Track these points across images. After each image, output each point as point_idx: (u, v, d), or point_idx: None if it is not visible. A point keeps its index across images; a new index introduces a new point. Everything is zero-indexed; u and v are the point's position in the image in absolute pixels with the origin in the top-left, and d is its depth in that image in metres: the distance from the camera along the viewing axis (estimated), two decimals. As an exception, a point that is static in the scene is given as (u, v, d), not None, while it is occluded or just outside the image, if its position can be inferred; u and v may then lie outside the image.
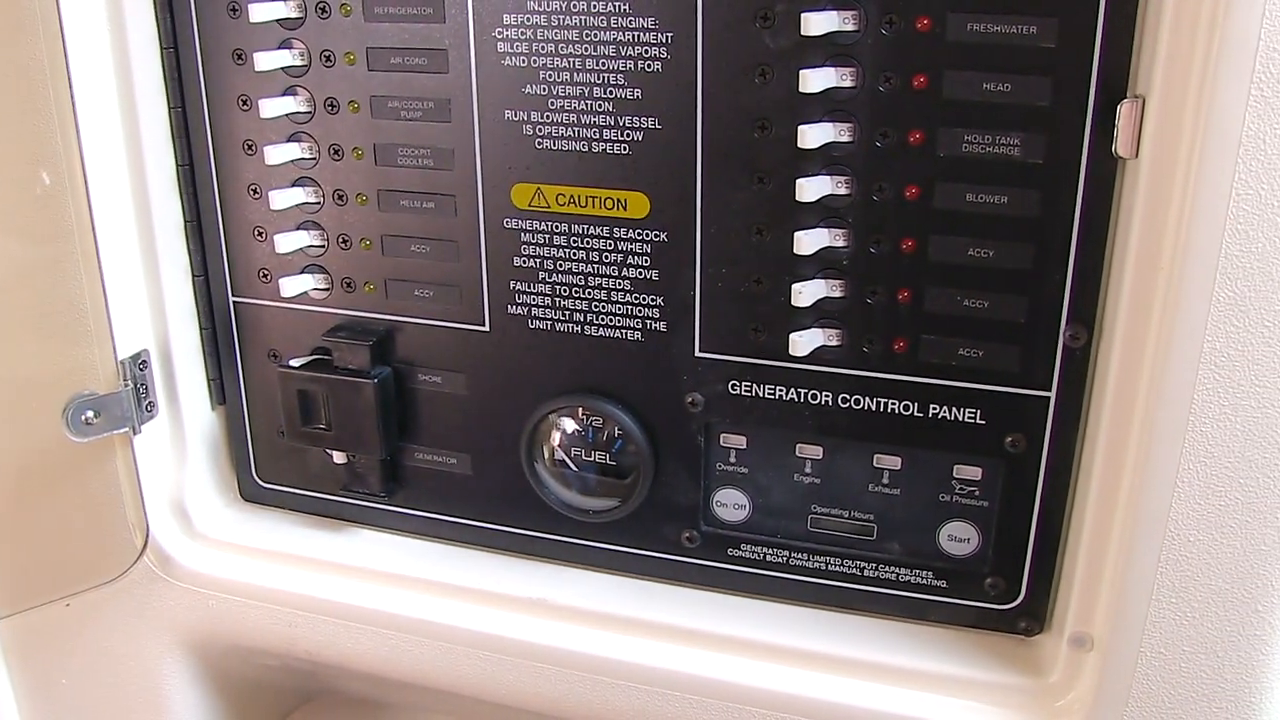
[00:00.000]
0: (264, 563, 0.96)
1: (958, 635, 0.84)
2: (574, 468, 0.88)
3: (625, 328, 0.82)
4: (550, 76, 0.78)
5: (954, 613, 0.83)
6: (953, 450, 0.79)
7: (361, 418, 0.89)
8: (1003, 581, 0.81)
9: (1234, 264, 0.61)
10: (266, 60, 0.83)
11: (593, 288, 0.82)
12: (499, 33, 0.78)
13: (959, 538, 0.81)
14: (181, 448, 0.96)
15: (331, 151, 0.85)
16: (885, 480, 0.82)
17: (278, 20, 0.83)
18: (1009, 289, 0.73)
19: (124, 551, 0.94)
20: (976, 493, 0.80)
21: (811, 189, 0.73)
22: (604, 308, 0.82)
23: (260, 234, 0.89)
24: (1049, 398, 0.75)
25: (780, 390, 0.80)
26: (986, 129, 0.70)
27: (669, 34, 0.75)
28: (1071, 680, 0.78)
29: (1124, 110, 0.66)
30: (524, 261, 0.83)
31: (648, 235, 0.79)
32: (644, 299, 0.81)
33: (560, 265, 0.82)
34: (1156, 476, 0.68)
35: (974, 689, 0.81)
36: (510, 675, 0.88)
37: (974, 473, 0.79)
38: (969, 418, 0.77)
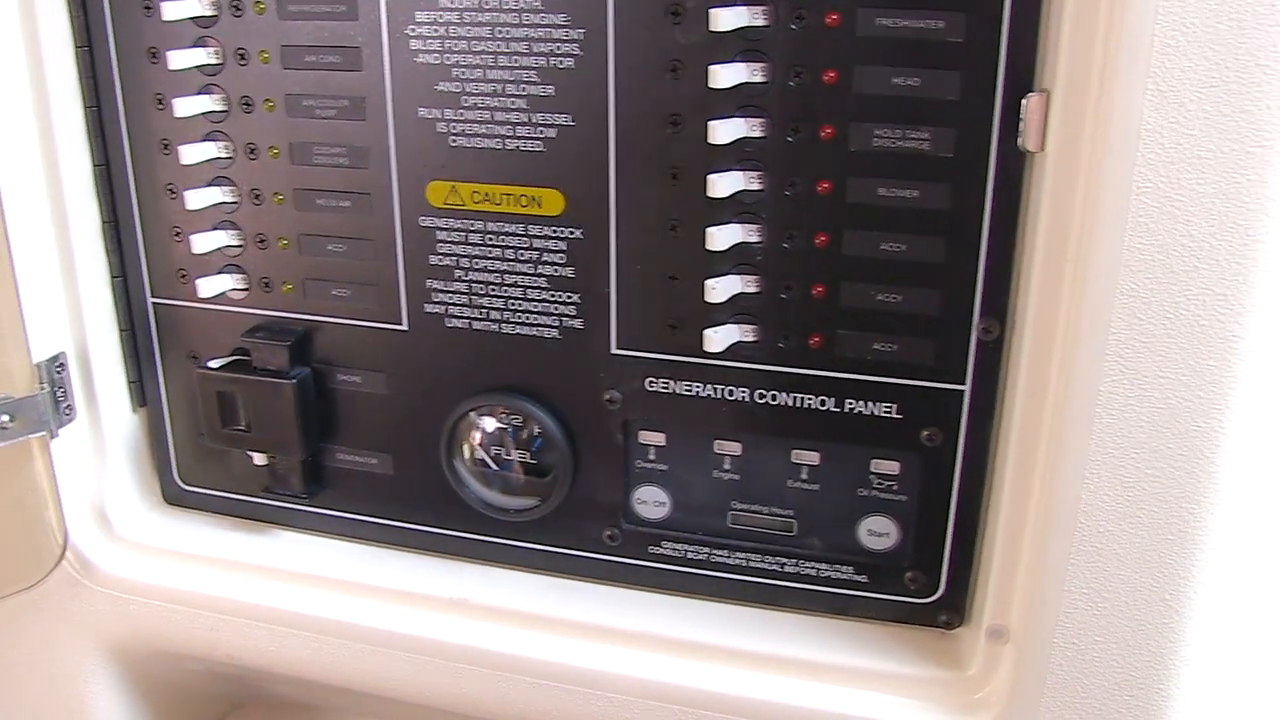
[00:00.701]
0: (185, 566, 0.95)
1: (880, 630, 0.84)
2: (494, 466, 0.87)
3: (542, 325, 0.82)
4: (463, 74, 0.78)
5: (876, 607, 0.83)
6: (870, 445, 0.79)
7: (280, 419, 0.89)
8: (922, 575, 0.81)
9: (1136, 256, 0.62)
10: (180, 59, 0.83)
11: (509, 285, 0.82)
12: (411, 30, 0.78)
13: (878, 532, 0.81)
14: (101, 451, 0.95)
15: (247, 150, 0.85)
16: (804, 476, 0.82)
17: (191, 18, 0.83)
18: (922, 283, 0.73)
19: (43, 556, 0.93)
20: (894, 487, 0.80)
21: (723, 185, 0.73)
22: (520, 305, 0.82)
23: (178, 234, 0.89)
24: (964, 391, 0.75)
25: (697, 387, 0.80)
26: (896, 123, 0.70)
27: (580, 30, 0.74)
28: (989, 673, 0.78)
29: (1028, 104, 0.66)
30: (440, 260, 0.83)
31: (563, 232, 0.79)
32: (560, 296, 0.81)
33: (476, 263, 0.82)
34: (1066, 468, 0.68)
35: (894, 683, 0.81)
36: (434, 676, 0.88)
37: (892, 467, 0.79)
38: (885, 412, 0.77)
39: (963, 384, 0.75)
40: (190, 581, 0.94)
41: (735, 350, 0.78)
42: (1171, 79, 0.58)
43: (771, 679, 0.82)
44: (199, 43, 0.83)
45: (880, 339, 0.75)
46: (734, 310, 0.77)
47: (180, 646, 0.96)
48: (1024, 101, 0.67)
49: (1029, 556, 0.72)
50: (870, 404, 0.77)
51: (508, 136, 0.78)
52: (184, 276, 0.90)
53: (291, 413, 0.88)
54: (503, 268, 0.82)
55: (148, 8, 0.83)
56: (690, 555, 0.86)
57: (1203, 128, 0.59)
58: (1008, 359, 0.73)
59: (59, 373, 0.89)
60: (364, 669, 0.90)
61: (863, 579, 0.83)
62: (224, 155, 0.86)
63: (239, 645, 0.93)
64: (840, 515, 0.82)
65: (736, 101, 0.73)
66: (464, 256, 0.82)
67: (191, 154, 0.85)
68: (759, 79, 0.72)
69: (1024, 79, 0.67)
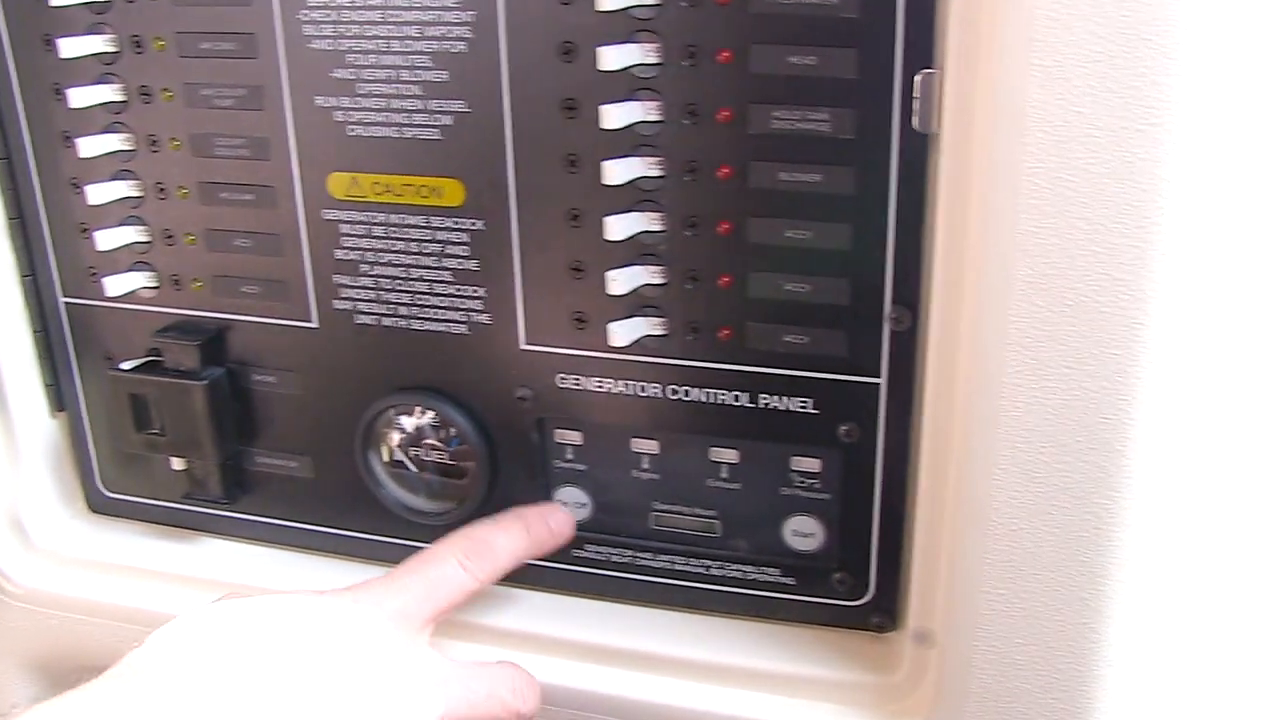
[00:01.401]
0: (107, 577, 0.92)
1: (812, 634, 0.81)
2: (411, 468, 0.85)
3: (450, 321, 0.79)
4: (357, 60, 0.75)
5: (804, 610, 0.80)
6: (788, 442, 0.76)
7: (195, 422, 0.86)
8: (850, 577, 0.78)
9: (1031, 240, 0.59)
10: (73, 46, 0.80)
11: (415, 280, 0.79)
12: (304, 15, 0.75)
13: (803, 532, 0.78)
14: (16, 458, 0.93)
15: (149, 143, 0.82)
16: (724, 475, 0.79)
17: (84, 3, 0.80)
18: (830, 272, 0.70)
19: (-46, 569, 0.91)
20: (817, 485, 0.77)
21: (619, 171, 0.70)
22: (427, 300, 0.79)
23: (85, 230, 0.86)
24: (879, 384, 0.72)
25: (609, 383, 0.77)
26: (795, 104, 0.67)
27: (471, 12, 0.72)
28: (917, 678, 0.75)
29: (919, 83, 0.63)
30: (345, 254, 0.80)
31: (464, 224, 0.76)
32: (466, 290, 0.78)
33: (381, 257, 0.79)
34: (976, 464, 0.65)
35: (824, 689, 0.78)
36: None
37: (812, 465, 0.77)
38: (801, 407, 0.74)
39: (878, 377, 0.72)
40: (111, 593, 0.92)
41: (643, 344, 0.75)
42: (1056, 54, 0.55)
43: (697, 686, 0.79)
44: (93, 30, 0.81)
45: (791, 331, 0.72)
46: (639, 303, 0.74)
47: (105, 661, 0.93)
48: (915, 80, 0.63)
49: (948, 557, 0.69)
50: (785, 399, 0.74)
51: (405, 125, 0.75)
52: (93, 274, 0.87)
53: (205, 415, 0.86)
54: (407, 261, 0.79)
55: (39, -5, 0.81)
56: (614, 558, 0.83)
57: (1090, 104, 0.55)
58: (923, 350, 0.69)
59: (-31, 376, 0.87)
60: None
61: (790, 581, 0.80)
62: (125, 148, 0.83)
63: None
64: (763, 515, 0.79)
65: (630, 85, 0.70)
66: (368, 250, 0.79)
67: (90, 146, 0.82)
68: (652, 60, 0.69)
69: (923, 56, 0.64)
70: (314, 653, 0.66)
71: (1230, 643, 0.71)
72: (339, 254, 0.80)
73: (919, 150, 0.66)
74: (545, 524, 0.80)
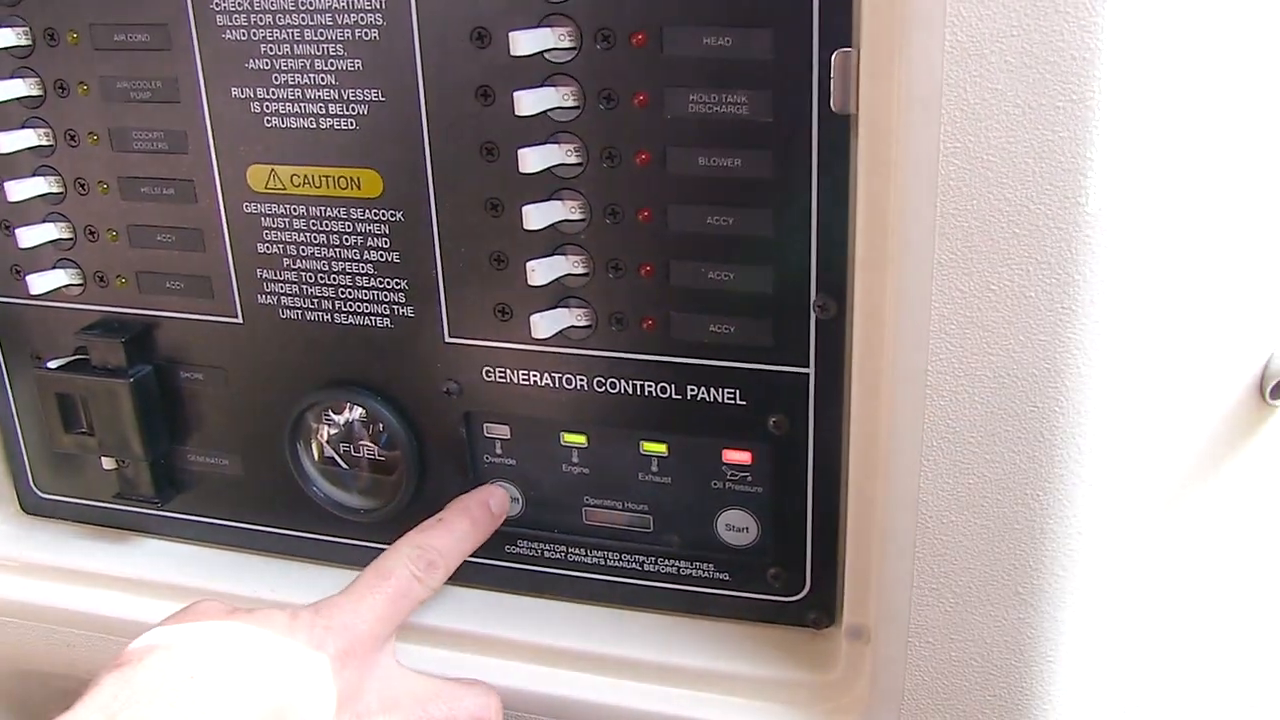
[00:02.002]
0: (38, 580, 0.91)
1: (749, 631, 0.79)
2: (341, 465, 0.83)
3: (374, 314, 0.78)
4: (272, 50, 0.73)
5: (740, 607, 0.79)
6: (718, 435, 0.75)
7: (123, 420, 0.84)
8: (785, 572, 0.77)
9: (950, 223, 0.57)
10: (-14, 41, 0.78)
11: (337, 273, 0.77)
12: (216, 5, 0.74)
13: (737, 527, 0.77)
14: (-57, 458, 0.90)
15: (67, 138, 0.81)
16: (655, 469, 0.77)
17: (-6, -3, 0.78)
18: (753, 259, 0.69)
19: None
20: (749, 479, 0.75)
21: (537, 159, 0.68)
22: (350, 294, 0.78)
23: (6, 228, 0.84)
24: (807, 374, 0.70)
25: (535, 375, 0.75)
26: (712, 87, 0.66)
27: (382, -1, 0.69)
28: (854, 675, 0.74)
29: (835, 62, 0.61)
30: (267, 248, 0.78)
31: (384, 215, 0.75)
32: (388, 283, 0.76)
33: (303, 250, 0.78)
34: (904, 455, 0.64)
35: (760, 687, 0.77)
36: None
37: (743, 458, 0.75)
38: (729, 399, 0.73)
39: (806, 367, 0.70)
40: (43, 595, 0.90)
41: (567, 336, 0.73)
42: (970, 28, 0.54)
43: (632, 685, 0.78)
44: (4, 23, 0.79)
45: (716, 321, 0.71)
46: (562, 293, 0.73)
47: (40, 665, 0.93)
48: (832, 60, 0.61)
49: (879, 551, 0.68)
50: (713, 390, 0.73)
51: (321, 115, 0.74)
52: (17, 272, 0.86)
53: (133, 414, 0.84)
54: (329, 254, 0.77)
55: (-48, -10, 0.79)
56: (546, 554, 0.82)
57: (1007, 81, 0.54)
58: (849, 339, 0.68)
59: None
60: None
61: (724, 577, 0.78)
62: (44, 143, 0.81)
63: (96, 662, 0.89)
64: (696, 510, 0.78)
65: (545, 70, 0.68)
66: (290, 244, 0.78)
67: (7, 142, 0.81)
68: (567, 45, 0.67)
69: (840, 35, 0.62)
70: (268, 687, 0.66)
71: (1169, 630, 0.70)
72: (261, 248, 0.79)
73: (839, 133, 0.65)
74: (488, 510, 0.79)
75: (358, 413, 0.82)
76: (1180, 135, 0.56)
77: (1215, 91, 0.57)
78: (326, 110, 0.74)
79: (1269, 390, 0.63)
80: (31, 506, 0.95)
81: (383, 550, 0.79)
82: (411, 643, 0.81)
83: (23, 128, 0.82)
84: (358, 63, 0.72)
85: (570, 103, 0.68)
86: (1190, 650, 0.71)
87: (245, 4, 0.73)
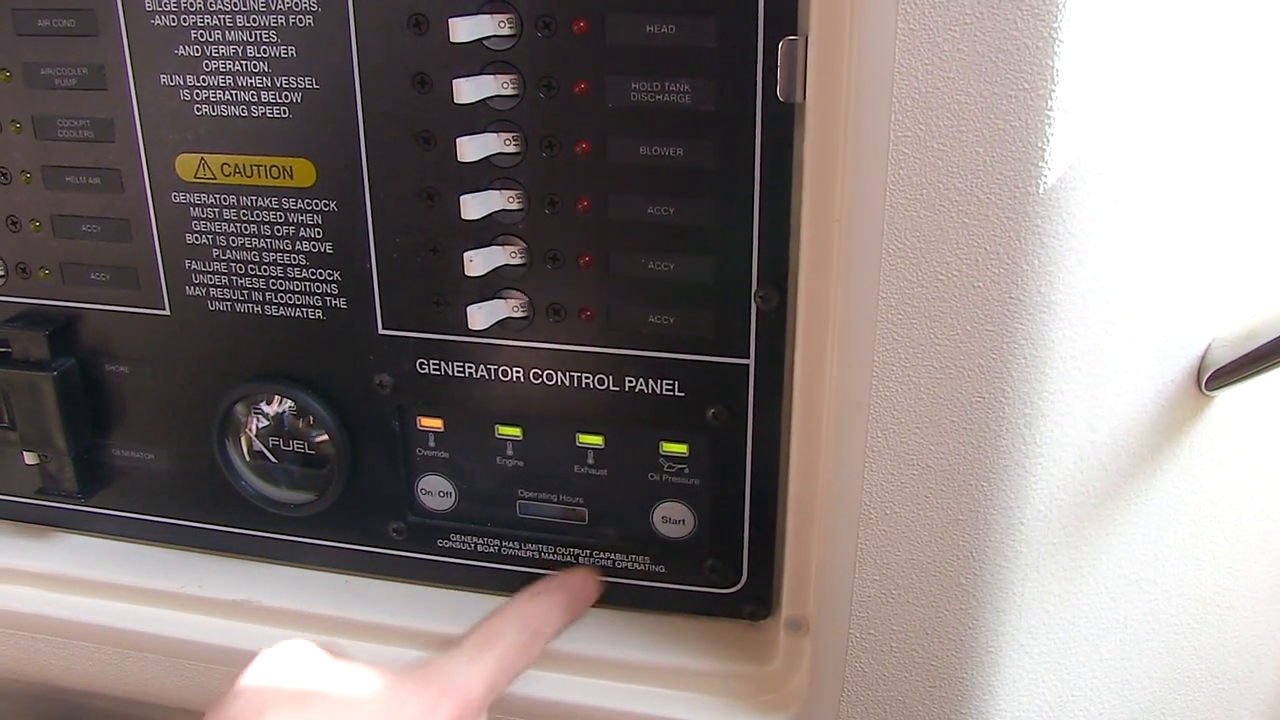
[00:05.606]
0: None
1: (686, 623, 0.80)
2: (271, 459, 0.82)
3: (305, 306, 0.76)
4: (202, 36, 0.72)
5: (676, 599, 0.79)
6: (656, 427, 0.75)
7: (45, 414, 0.83)
8: (721, 564, 0.77)
9: (899, 213, 0.57)
10: (-99, 25, 0.76)
11: (268, 264, 0.76)
12: (145, -12, 0.71)
13: (673, 519, 0.77)
14: None
15: (-12, 126, 0.78)
16: (591, 461, 0.77)
17: (-85, -20, 0.76)
18: (694, 249, 0.69)
19: None
20: (686, 470, 0.75)
21: (472, 148, 0.67)
22: (281, 285, 0.76)
23: (-74, 218, 0.82)
24: (747, 365, 0.70)
25: (469, 367, 0.75)
26: (654, 76, 0.65)
27: (318, -16, 0.68)
28: (792, 667, 0.74)
29: (782, 51, 0.61)
30: (196, 239, 0.77)
31: (317, 205, 0.74)
32: (320, 274, 0.75)
33: (233, 241, 0.76)
34: (846, 446, 0.64)
35: (698, 679, 0.77)
36: (217, 685, 0.82)
37: (680, 449, 0.75)
38: (668, 391, 0.72)
39: (746, 358, 0.70)
40: (-36, 593, 0.88)
41: (504, 327, 0.73)
42: (922, 16, 0.54)
43: (568, 678, 0.78)
44: (-76, 9, 0.76)
45: (656, 312, 0.70)
46: (499, 284, 0.72)
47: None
48: (779, 48, 0.61)
49: (819, 542, 0.68)
50: (651, 382, 0.72)
51: (253, 103, 0.72)
52: (-63, 264, 0.83)
53: (56, 407, 0.83)
54: (260, 245, 0.76)
55: None
56: (480, 548, 0.81)
57: (959, 69, 0.54)
58: (791, 330, 0.68)
59: None
60: (142, 679, 0.85)
61: (660, 569, 0.78)
62: (-37, 132, 0.79)
63: (15, 659, 0.88)
64: (632, 502, 0.78)
65: (484, 58, 0.67)
66: (220, 234, 0.76)
67: (-75, 130, 0.78)
68: (506, 32, 0.66)
69: (786, 23, 0.62)
70: None
71: (1110, 621, 0.70)
72: (189, 238, 0.77)
73: (784, 122, 0.64)
74: (585, 590, 0.79)
75: (288, 406, 0.80)
76: (1125, 125, 0.56)
77: (1161, 82, 0.57)
78: (259, 98, 0.72)
79: (1204, 380, 0.64)
80: (-50, 503, 0.93)
81: (316, 547, 0.80)
82: (348, 637, 0.81)
83: (-59, 116, 0.79)
84: (291, 49, 0.71)
85: (509, 91, 0.67)
86: (1132, 641, 0.71)
87: (175, -12, 0.71)
